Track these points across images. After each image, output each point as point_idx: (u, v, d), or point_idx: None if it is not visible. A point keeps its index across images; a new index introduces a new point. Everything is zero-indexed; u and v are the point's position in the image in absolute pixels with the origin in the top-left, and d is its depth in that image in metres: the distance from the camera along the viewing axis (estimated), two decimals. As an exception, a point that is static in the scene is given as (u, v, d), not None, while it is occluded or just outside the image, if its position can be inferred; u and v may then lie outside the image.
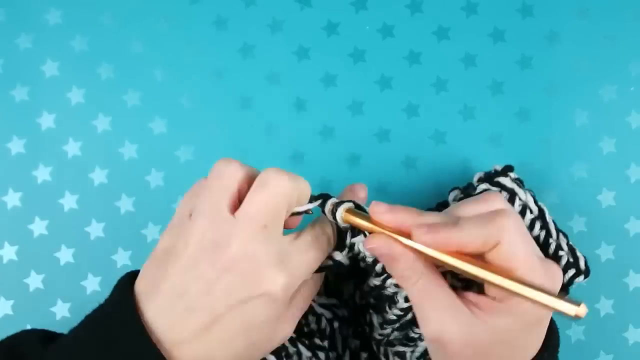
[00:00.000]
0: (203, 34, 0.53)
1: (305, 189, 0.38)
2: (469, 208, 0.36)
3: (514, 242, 0.33)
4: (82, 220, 0.51)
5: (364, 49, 0.53)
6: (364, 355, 0.45)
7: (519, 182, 0.45)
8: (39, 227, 0.51)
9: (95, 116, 0.52)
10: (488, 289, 0.35)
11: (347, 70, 0.52)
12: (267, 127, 0.52)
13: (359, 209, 0.38)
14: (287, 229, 0.38)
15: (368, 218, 0.37)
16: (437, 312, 0.34)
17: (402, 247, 0.34)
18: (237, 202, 0.36)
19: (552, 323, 0.38)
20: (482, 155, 0.51)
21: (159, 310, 0.34)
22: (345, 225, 0.38)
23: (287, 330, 0.37)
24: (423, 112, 0.52)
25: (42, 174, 0.51)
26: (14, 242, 0.51)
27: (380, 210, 0.35)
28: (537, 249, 0.36)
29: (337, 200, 0.39)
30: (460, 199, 0.46)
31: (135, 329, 0.33)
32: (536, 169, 0.51)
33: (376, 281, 0.38)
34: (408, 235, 0.34)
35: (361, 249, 0.38)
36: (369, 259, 0.38)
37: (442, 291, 0.34)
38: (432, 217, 0.35)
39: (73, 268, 0.51)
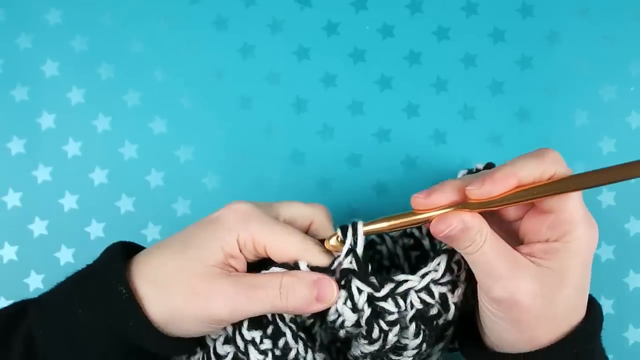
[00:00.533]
0: (203, 34, 0.53)
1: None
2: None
3: (567, 174, 0.34)
4: (82, 220, 0.51)
5: (364, 49, 0.53)
6: None
7: None
8: (39, 227, 0.51)
9: (96, 116, 0.52)
10: (537, 234, 0.35)
11: (347, 70, 0.52)
12: (267, 127, 0.52)
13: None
14: None
15: (387, 218, 0.36)
16: (507, 270, 0.33)
17: (470, 214, 0.34)
18: None
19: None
20: (482, 155, 0.51)
21: (141, 254, 0.37)
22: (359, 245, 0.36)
23: (221, 288, 0.34)
24: (423, 112, 0.52)
25: (42, 174, 0.51)
26: (14, 242, 0.51)
27: (422, 196, 0.35)
28: None
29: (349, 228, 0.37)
30: None
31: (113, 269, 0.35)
32: (536, 169, 0.51)
33: (374, 346, 0.37)
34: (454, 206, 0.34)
35: (339, 309, 0.36)
36: (350, 322, 0.36)
37: (506, 249, 0.34)
38: (471, 175, 0.36)
39: (73, 268, 0.50)
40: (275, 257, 0.36)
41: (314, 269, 0.36)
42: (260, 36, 0.53)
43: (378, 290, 0.36)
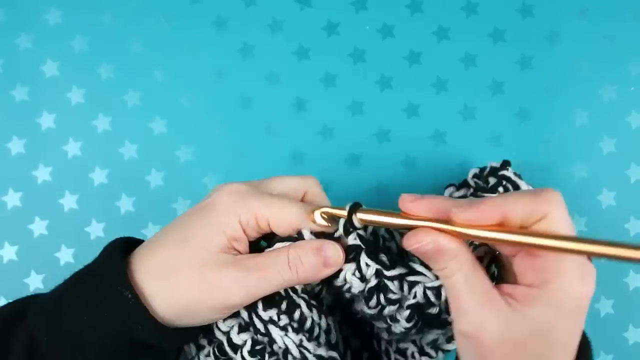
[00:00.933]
0: (203, 34, 0.53)
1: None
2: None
3: (561, 217, 0.31)
4: (82, 220, 0.51)
5: (364, 49, 0.53)
6: (365, 354, 0.44)
7: (518, 176, 0.45)
8: (39, 227, 0.51)
9: (96, 116, 0.52)
10: (524, 276, 0.33)
11: (347, 70, 0.52)
12: (267, 127, 0.52)
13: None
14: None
15: (386, 213, 0.35)
16: (476, 305, 0.32)
17: (447, 237, 0.33)
18: None
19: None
20: (482, 155, 0.51)
21: (141, 247, 0.36)
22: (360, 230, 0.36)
23: (231, 272, 0.34)
24: (423, 112, 0.52)
25: (42, 174, 0.51)
26: (14, 242, 0.51)
27: (409, 199, 0.34)
28: None
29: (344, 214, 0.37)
30: (461, 196, 0.46)
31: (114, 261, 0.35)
32: (536, 169, 0.51)
33: (371, 311, 0.37)
34: (441, 223, 0.33)
35: (348, 279, 0.36)
36: (357, 290, 0.37)
37: (482, 282, 0.33)
38: (464, 199, 0.34)
39: (73, 268, 0.50)
40: (279, 230, 0.36)
41: (317, 235, 0.36)
42: (261, 36, 0.53)
43: (387, 269, 0.36)
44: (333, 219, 0.37)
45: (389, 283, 0.36)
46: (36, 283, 0.51)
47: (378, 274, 0.36)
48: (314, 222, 0.36)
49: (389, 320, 0.38)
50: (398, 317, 0.38)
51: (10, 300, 0.47)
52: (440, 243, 0.33)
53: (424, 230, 0.33)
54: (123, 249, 0.36)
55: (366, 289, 0.37)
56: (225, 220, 0.35)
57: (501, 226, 0.32)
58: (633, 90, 0.52)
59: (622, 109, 0.52)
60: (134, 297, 0.33)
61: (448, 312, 0.37)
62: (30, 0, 0.53)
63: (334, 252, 0.35)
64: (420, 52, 0.52)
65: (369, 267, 0.36)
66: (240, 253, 0.36)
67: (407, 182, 0.51)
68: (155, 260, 0.35)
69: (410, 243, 0.33)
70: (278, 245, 0.36)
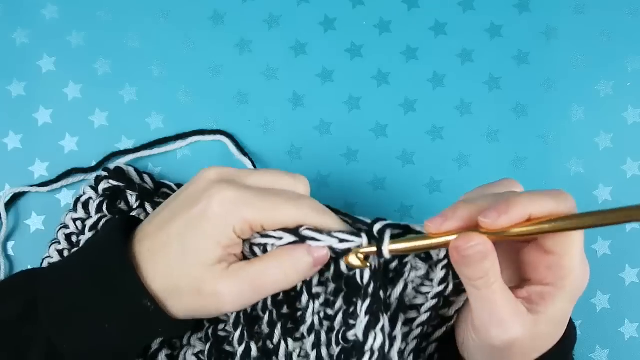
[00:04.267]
0: (200, 29, 0.53)
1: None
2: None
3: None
4: (79, 216, 0.51)
5: (361, 44, 0.53)
6: None
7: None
8: (36, 222, 0.51)
9: (92, 111, 0.52)
10: (536, 274, 0.34)
11: (344, 66, 0.52)
12: (264, 123, 0.52)
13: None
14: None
15: (415, 238, 0.35)
16: (510, 316, 0.33)
17: (492, 244, 0.33)
18: None
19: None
20: (479, 150, 0.51)
21: (140, 229, 0.37)
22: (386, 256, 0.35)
23: (227, 284, 0.35)
24: (420, 108, 0.52)
25: (39, 169, 0.51)
26: (11, 237, 0.51)
27: (438, 222, 0.34)
28: None
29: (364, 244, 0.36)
30: None
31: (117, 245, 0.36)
32: (533, 164, 0.51)
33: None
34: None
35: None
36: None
37: (509, 294, 0.34)
38: (482, 201, 0.34)
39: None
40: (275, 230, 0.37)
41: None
42: (257, 31, 0.53)
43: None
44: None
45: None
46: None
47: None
48: (349, 262, 0.36)
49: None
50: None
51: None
52: (488, 248, 0.32)
53: (473, 234, 0.33)
54: (126, 248, 0.36)
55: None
56: (220, 233, 0.35)
57: (529, 221, 0.32)
58: (629, 86, 0.52)
59: (619, 105, 0.52)
60: (153, 304, 0.35)
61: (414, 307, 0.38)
62: (27, -5, 0.53)
63: (322, 251, 0.36)
64: (417, 48, 0.52)
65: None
66: (236, 255, 0.37)
67: (403, 178, 0.51)
68: (160, 273, 0.36)
69: (460, 244, 0.33)
70: (278, 234, 0.36)
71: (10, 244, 0.51)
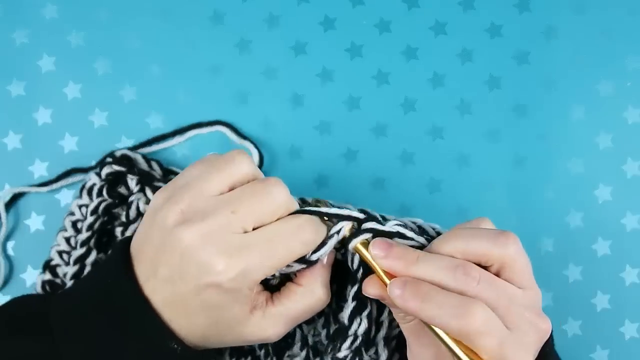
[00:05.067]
0: (200, 29, 0.53)
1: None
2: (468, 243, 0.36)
3: (476, 344, 0.32)
4: (79, 216, 0.51)
5: (361, 44, 0.53)
6: None
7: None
8: (35, 222, 0.51)
9: (92, 111, 0.52)
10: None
11: (344, 66, 0.52)
12: (264, 123, 0.52)
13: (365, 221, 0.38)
14: None
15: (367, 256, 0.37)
16: (425, 353, 0.36)
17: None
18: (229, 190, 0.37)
19: None
20: (479, 150, 0.51)
21: (142, 272, 0.36)
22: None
23: (271, 324, 0.37)
24: (420, 108, 0.52)
25: (39, 169, 0.51)
26: (11, 237, 0.51)
27: (377, 255, 0.36)
28: (524, 309, 0.35)
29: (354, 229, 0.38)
30: None
31: (122, 273, 0.36)
32: (533, 164, 0.51)
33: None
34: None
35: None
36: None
37: (428, 336, 0.36)
38: (423, 269, 0.35)
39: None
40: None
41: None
42: (257, 31, 0.53)
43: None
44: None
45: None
46: (33, 279, 0.50)
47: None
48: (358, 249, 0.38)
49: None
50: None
51: (8, 297, 0.47)
52: (385, 298, 0.36)
53: (374, 283, 0.36)
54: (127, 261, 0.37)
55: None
56: (240, 308, 0.36)
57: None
58: (630, 86, 0.52)
59: (619, 104, 0.52)
60: (182, 347, 0.35)
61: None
62: (27, -5, 0.53)
63: (331, 255, 0.40)
64: (417, 48, 0.52)
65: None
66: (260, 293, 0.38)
67: (403, 178, 0.51)
68: (193, 332, 0.36)
69: (364, 288, 0.37)
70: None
71: (10, 244, 0.51)
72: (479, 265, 0.35)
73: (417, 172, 0.51)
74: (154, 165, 0.50)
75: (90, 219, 0.47)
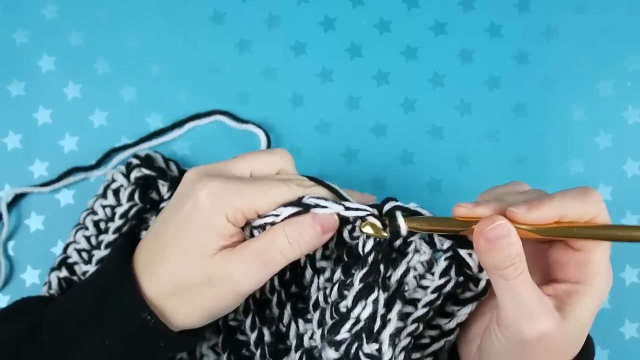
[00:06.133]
0: (200, 29, 0.53)
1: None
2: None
3: (607, 217, 0.32)
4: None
5: (360, 44, 0.53)
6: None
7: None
8: (35, 222, 0.51)
9: (92, 111, 0.52)
10: (564, 271, 0.34)
11: (344, 66, 0.52)
12: (264, 122, 0.52)
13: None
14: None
15: (435, 219, 0.35)
16: (540, 310, 0.32)
17: (516, 231, 0.32)
18: None
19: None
20: (479, 150, 0.51)
21: (140, 249, 0.37)
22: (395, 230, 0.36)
23: (235, 265, 0.35)
24: (420, 107, 0.52)
25: (39, 169, 0.51)
26: (12, 237, 0.51)
27: (470, 206, 0.34)
28: None
29: (375, 212, 0.36)
30: None
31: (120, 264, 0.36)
32: (533, 164, 0.51)
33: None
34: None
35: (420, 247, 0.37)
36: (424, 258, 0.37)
37: (537, 289, 0.33)
38: (512, 198, 0.34)
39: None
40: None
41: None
42: (257, 31, 0.53)
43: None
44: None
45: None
46: (33, 278, 0.50)
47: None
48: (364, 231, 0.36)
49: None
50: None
51: (7, 296, 0.47)
52: (513, 231, 0.32)
53: (497, 217, 0.32)
54: (128, 265, 0.36)
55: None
56: (214, 224, 0.35)
57: (558, 223, 0.32)
58: (629, 86, 0.52)
59: (619, 104, 0.52)
60: (153, 317, 0.35)
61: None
62: (27, -5, 0.53)
63: (329, 217, 0.36)
64: (417, 47, 0.52)
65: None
66: (238, 240, 0.36)
67: (403, 177, 0.51)
68: (164, 279, 0.35)
69: (486, 224, 0.32)
70: (281, 210, 0.36)
71: (10, 244, 0.51)
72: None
73: (417, 172, 0.51)
74: (172, 165, 0.50)
75: (118, 222, 0.47)
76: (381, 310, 0.36)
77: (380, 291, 0.36)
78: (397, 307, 0.36)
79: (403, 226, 0.35)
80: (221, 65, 0.53)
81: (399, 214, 0.35)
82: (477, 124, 0.52)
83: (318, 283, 0.38)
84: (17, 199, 0.51)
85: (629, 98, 0.52)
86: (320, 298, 0.38)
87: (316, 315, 0.38)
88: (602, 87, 0.52)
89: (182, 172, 0.50)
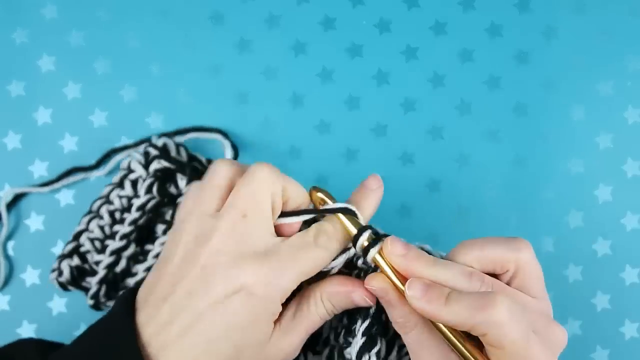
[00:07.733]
0: (200, 29, 0.53)
1: (295, 187, 0.38)
2: (487, 251, 0.35)
3: (501, 335, 0.31)
4: (80, 217, 0.51)
5: (361, 43, 0.53)
6: None
7: None
8: (35, 222, 0.51)
9: (92, 111, 0.52)
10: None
11: (344, 65, 0.52)
12: (263, 122, 0.52)
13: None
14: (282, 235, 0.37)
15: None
16: None
17: (398, 297, 0.34)
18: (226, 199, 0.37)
19: None
20: (479, 150, 0.51)
21: (148, 316, 0.34)
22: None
23: (288, 342, 0.35)
24: (420, 107, 0.52)
25: (39, 169, 0.51)
26: (11, 237, 0.51)
27: (394, 252, 0.35)
28: (539, 316, 0.34)
29: (372, 237, 0.37)
30: None
31: (126, 336, 0.33)
32: (533, 164, 0.51)
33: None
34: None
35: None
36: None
37: (435, 345, 0.34)
38: (442, 272, 0.34)
39: (70, 263, 0.51)
40: (289, 207, 0.38)
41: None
42: (257, 31, 0.53)
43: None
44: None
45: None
46: (33, 279, 0.50)
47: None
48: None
49: None
50: None
51: (7, 296, 0.47)
52: (390, 297, 0.34)
53: (379, 276, 0.35)
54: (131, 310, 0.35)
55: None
56: (271, 312, 0.35)
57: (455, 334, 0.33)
58: (630, 85, 0.52)
59: (619, 104, 0.52)
60: None
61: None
62: (26, -5, 0.53)
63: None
64: (417, 47, 0.52)
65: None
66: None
67: (403, 178, 0.51)
68: None
69: (367, 282, 0.35)
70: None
71: (10, 244, 0.51)
72: (493, 275, 0.35)
73: (417, 172, 0.51)
74: (182, 151, 0.49)
75: (135, 214, 0.46)
76: (382, 355, 0.37)
77: (382, 340, 0.37)
78: (397, 345, 0.38)
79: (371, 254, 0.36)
80: (221, 65, 0.52)
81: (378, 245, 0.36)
82: (477, 124, 0.52)
83: (331, 322, 0.39)
84: (17, 199, 0.51)
85: (629, 98, 0.52)
86: (331, 337, 0.39)
87: (325, 352, 0.40)
88: (602, 87, 0.52)
89: (190, 158, 0.49)
